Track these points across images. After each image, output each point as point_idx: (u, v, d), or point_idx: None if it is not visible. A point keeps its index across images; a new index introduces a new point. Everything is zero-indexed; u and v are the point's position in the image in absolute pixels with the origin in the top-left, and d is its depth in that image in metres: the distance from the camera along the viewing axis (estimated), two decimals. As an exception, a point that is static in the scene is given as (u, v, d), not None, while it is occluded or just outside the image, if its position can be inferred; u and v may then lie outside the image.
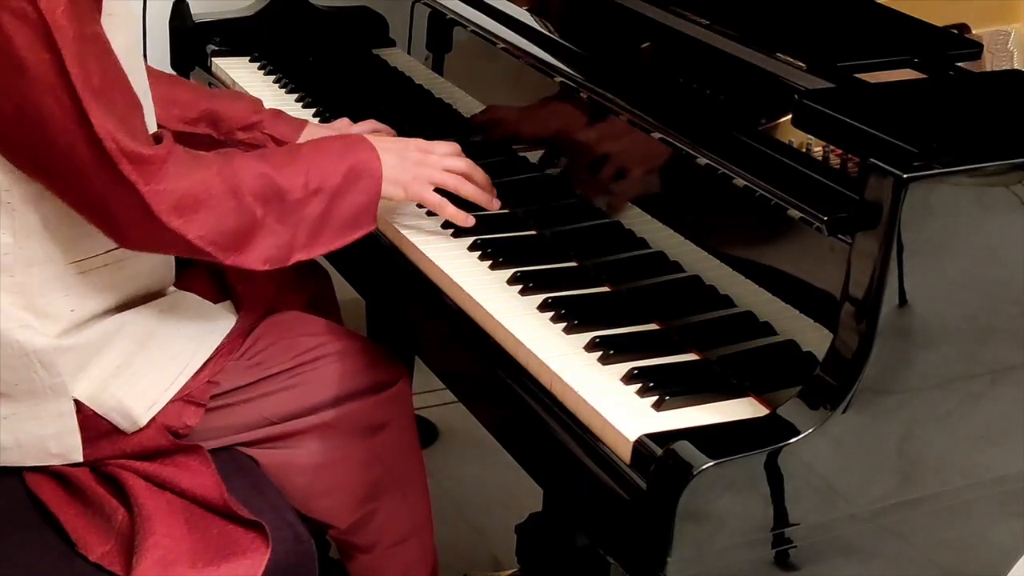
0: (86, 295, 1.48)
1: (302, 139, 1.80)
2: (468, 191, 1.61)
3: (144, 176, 1.37)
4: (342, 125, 1.85)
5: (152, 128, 1.49)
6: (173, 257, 1.60)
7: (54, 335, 1.45)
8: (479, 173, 1.63)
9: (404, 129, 1.88)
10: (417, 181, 1.57)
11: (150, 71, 1.57)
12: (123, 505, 1.46)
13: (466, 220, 1.59)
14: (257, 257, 1.47)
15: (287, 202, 1.47)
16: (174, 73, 2.22)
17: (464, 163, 1.63)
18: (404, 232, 1.62)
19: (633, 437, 1.23)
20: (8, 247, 1.42)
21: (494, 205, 1.63)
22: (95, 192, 1.38)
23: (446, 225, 1.63)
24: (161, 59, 2.24)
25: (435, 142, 1.64)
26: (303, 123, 1.83)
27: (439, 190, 1.61)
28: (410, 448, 1.71)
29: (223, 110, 1.80)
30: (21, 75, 1.32)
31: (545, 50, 1.67)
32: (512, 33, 1.72)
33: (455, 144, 1.65)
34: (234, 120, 1.80)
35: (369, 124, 1.84)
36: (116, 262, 1.50)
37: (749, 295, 1.37)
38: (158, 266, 1.57)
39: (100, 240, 1.47)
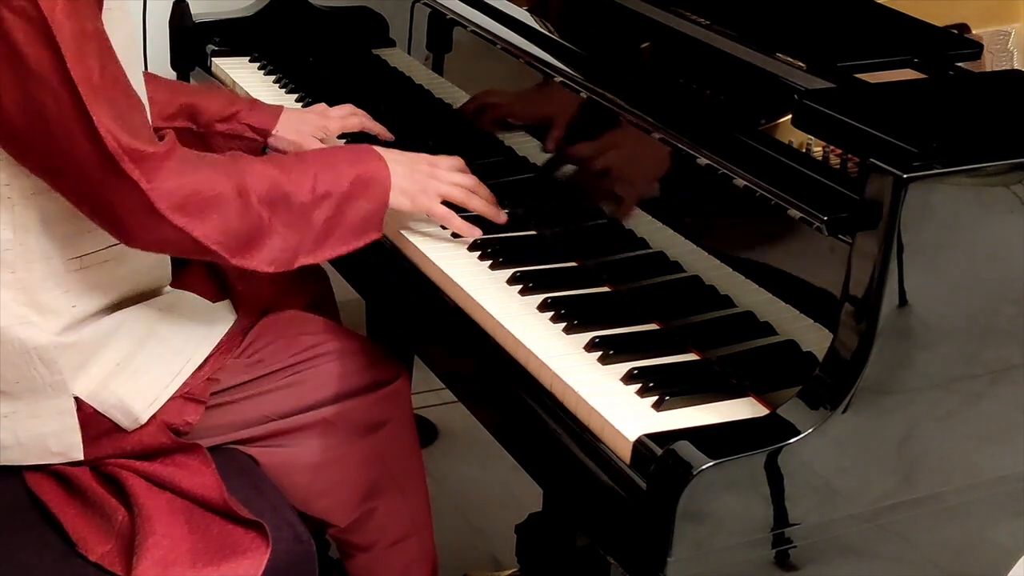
0: (87, 291, 1.48)
1: (279, 124, 1.83)
2: (475, 204, 1.61)
3: (147, 173, 1.37)
4: (320, 109, 1.88)
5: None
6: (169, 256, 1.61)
7: (55, 332, 1.45)
8: (484, 189, 1.64)
9: (404, 129, 1.88)
10: (425, 193, 1.58)
11: None
12: (123, 505, 1.46)
13: (472, 231, 1.59)
14: (263, 259, 1.47)
15: (294, 206, 1.48)
16: (174, 74, 2.23)
17: (471, 179, 1.63)
18: (404, 233, 1.62)
19: (633, 437, 1.23)
20: (8, 243, 1.42)
21: (501, 218, 1.63)
22: (98, 190, 1.38)
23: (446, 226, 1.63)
24: (161, 59, 2.24)
25: (441, 156, 1.65)
26: (279, 109, 1.86)
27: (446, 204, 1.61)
28: (409, 447, 1.72)
29: (201, 103, 1.82)
30: (22, 71, 1.32)
31: (545, 50, 1.67)
32: (512, 33, 1.72)
33: (460, 159, 1.66)
34: (212, 112, 1.81)
35: (346, 108, 1.87)
36: (116, 258, 1.50)
37: (749, 295, 1.37)
38: (156, 263, 1.57)
39: (100, 236, 1.47)
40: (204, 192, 1.42)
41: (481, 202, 1.62)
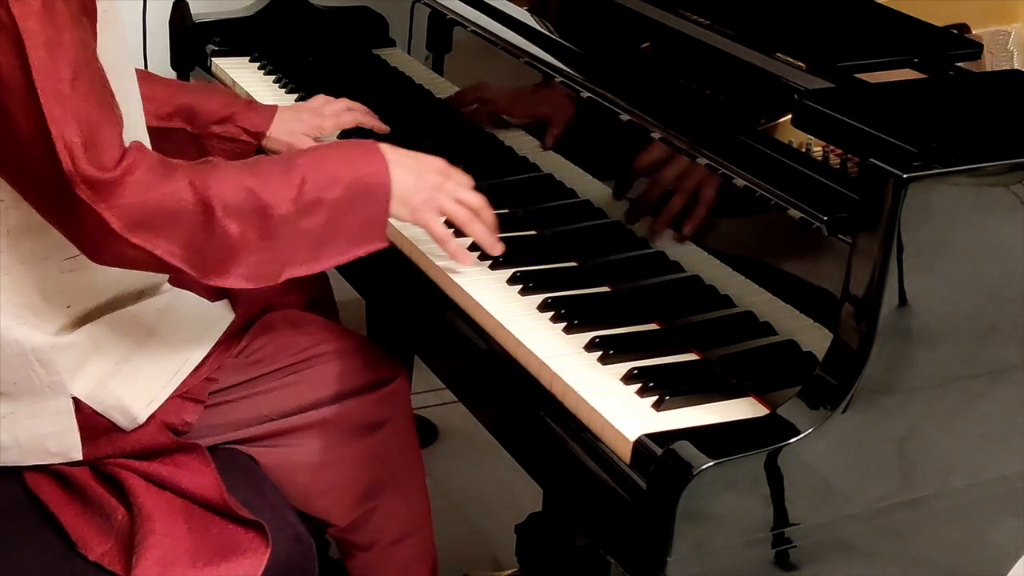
0: (82, 292, 1.48)
1: (275, 124, 1.82)
2: (476, 230, 1.53)
3: (100, 195, 1.32)
4: (315, 105, 1.87)
5: (138, 130, 1.48)
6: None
7: (52, 332, 1.45)
8: (488, 213, 1.54)
9: (404, 129, 1.88)
10: (427, 206, 1.50)
11: None
12: (123, 505, 1.46)
13: (466, 258, 1.52)
14: (239, 275, 1.41)
15: (272, 217, 1.40)
16: (174, 74, 2.23)
17: (478, 199, 1.54)
18: (404, 232, 1.62)
19: (633, 437, 1.23)
20: (2, 246, 1.42)
21: (496, 251, 1.54)
22: (60, 206, 1.35)
23: (446, 224, 1.62)
24: (161, 59, 2.24)
25: (455, 168, 1.56)
26: (274, 109, 1.84)
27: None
28: (409, 447, 1.72)
29: (197, 104, 1.81)
30: None
31: (545, 50, 1.67)
32: (512, 33, 1.72)
33: (471, 178, 1.57)
34: (208, 114, 1.81)
35: (342, 103, 1.87)
36: None
37: (749, 295, 1.37)
38: None
39: None
40: (167, 206, 1.36)
41: (481, 229, 1.53)
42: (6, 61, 1.29)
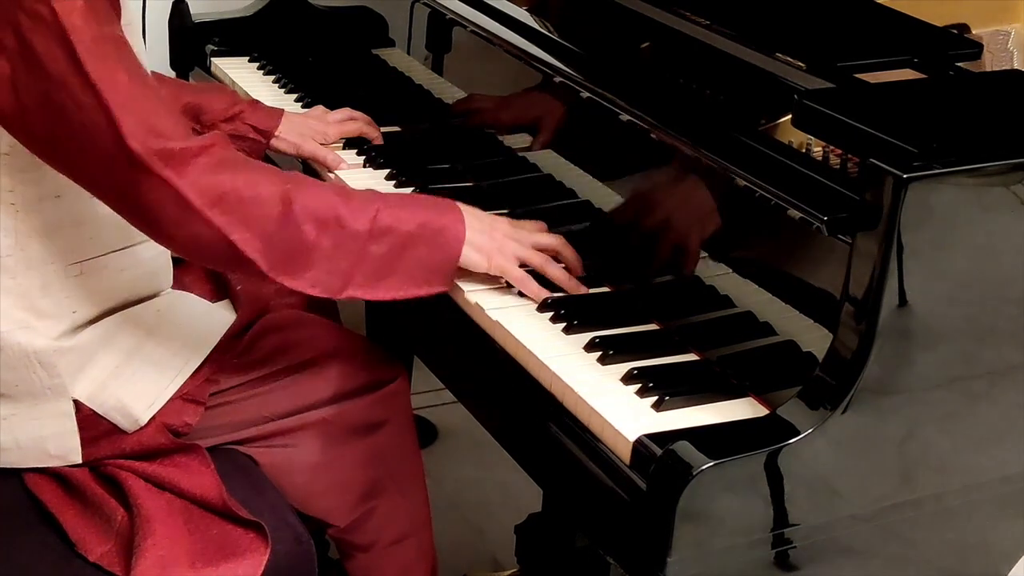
0: (87, 297, 1.48)
1: (281, 127, 1.84)
2: (553, 272, 1.50)
3: (176, 169, 1.35)
4: (318, 113, 1.89)
5: None
6: (171, 260, 1.60)
7: (55, 336, 1.45)
8: (570, 251, 1.53)
9: (402, 129, 1.88)
10: (502, 253, 1.49)
11: None
12: (122, 505, 1.46)
13: (543, 293, 1.49)
14: (307, 280, 1.42)
15: (346, 230, 1.42)
16: (173, 74, 2.23)
17: (555, 240, 1.53)
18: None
19: (633, 437, 1.23)
20: (10, 248, 1.42)
21: (579, 290, 1.51)
22: (129, 188, 1.36)
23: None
24: (161, 59, 2.24)
25: (523, 220, 1.56)
26: (280, 111, 1.86)
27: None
28: (408, 447, 1.71)
29: (204, 103, 1.82)
30: (40, 73, 1.33)
31: (545, 50, 1.67)
32: (512, 33, 1.72)
33: (543, 223, 1.57)
34: (216, 112, 1.82)
35: (344, 112, 1.88)
36: (117, 264, 1.50)
37: (749, 295, 1.37)
38: (158, 270, 1.57)
39: (101, 242, 1.47)
40: (242, 191, 1.38)
41: (559, 271, 1.51)
42: (54, 57, 1.32)
